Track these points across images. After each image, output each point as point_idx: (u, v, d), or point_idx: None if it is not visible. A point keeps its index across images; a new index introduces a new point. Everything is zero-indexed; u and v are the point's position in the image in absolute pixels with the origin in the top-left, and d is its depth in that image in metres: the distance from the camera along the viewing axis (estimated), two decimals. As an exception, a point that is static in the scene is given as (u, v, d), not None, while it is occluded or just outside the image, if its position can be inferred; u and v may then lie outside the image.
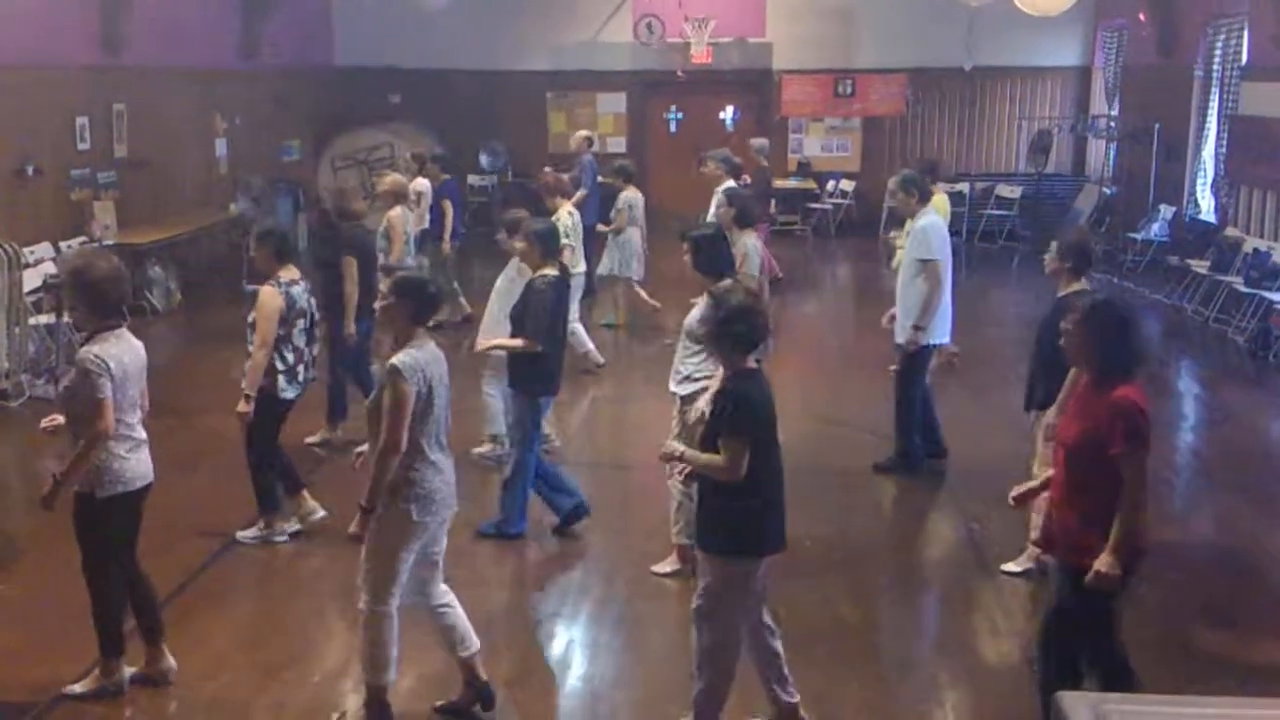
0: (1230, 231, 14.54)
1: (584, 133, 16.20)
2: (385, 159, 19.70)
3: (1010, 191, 19.57)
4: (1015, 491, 5.34)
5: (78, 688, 5.54)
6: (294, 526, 7.45)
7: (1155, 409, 8.23)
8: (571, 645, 6.32)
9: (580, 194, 13.83)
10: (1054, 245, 6.88)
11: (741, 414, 4.81)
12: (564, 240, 10.44)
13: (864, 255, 18.90)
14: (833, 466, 8.93)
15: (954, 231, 18.83)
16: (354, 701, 5.55)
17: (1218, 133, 15.71)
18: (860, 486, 8.58)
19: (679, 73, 20.27)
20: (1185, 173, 16.63)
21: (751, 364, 5.02)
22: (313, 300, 7.36)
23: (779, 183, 20.65)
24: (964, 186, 19.84)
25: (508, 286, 8.19)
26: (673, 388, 6.79)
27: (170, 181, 15.53)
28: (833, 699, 5.64)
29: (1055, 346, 6.46)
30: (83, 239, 12.98)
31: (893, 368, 9.06)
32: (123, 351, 5.37)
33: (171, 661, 5.70)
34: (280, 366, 7.12)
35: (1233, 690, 5.37)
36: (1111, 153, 19.33)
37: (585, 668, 6.06)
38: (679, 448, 5.09)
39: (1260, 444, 10.04)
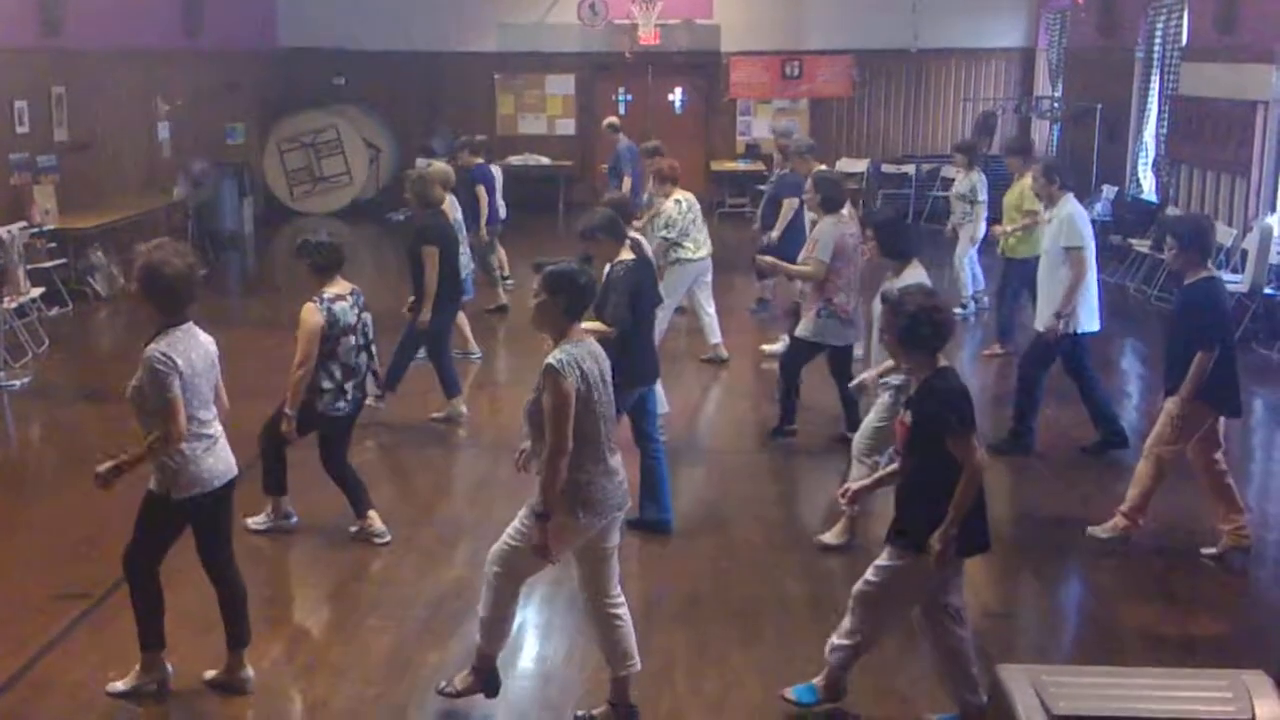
0: (1171, 211, 14.73)
1: (610, 119, 16.13)
2: (331, 142, 19.57)
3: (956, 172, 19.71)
4: None
5: (120, 685, 5.42)
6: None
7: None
8: (524, 626, 6.33)
9: (627, 181, 13.84)
10: (1170, 237, 7.07)
11: (965, 408, 4.88)
12: (664, 233, 10.50)
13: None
14: (789, 447, 9.00)
15: (901, 214, 18.97)
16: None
17: (1159, 113, 15.91)
18: (818, 467, 8.63)
19: (627, 54, 20.25)
20: (1127, 153, 16.85)
21: (942, 361, 5.04)
22: (365, 315, 7.05)
23: (727, 165, 20.74)
24: (910, 168, 19.98)
25: None
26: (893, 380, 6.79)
27: (112, 165, 15.35)
28: (784, 674, 5.69)
29: (1191, 334, 6.75)
30: (22, 224, 12.79)
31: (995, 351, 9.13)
32: (190, 348, 5.19)
33: (250, 671, 5.53)
34: (327, 384, 6.89)
35: (1168, 664, 5.48)
36: (1055, 133, 19.53)
37: (538, 648, 6.09)
38: (946, 527, 4.83)
39: (1200, 420, 10.18)
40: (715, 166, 20.67)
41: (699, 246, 10.80)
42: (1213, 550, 7.12)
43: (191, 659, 5.72)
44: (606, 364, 5.06)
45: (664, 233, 10.57)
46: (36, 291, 11.93)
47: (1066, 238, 8.50)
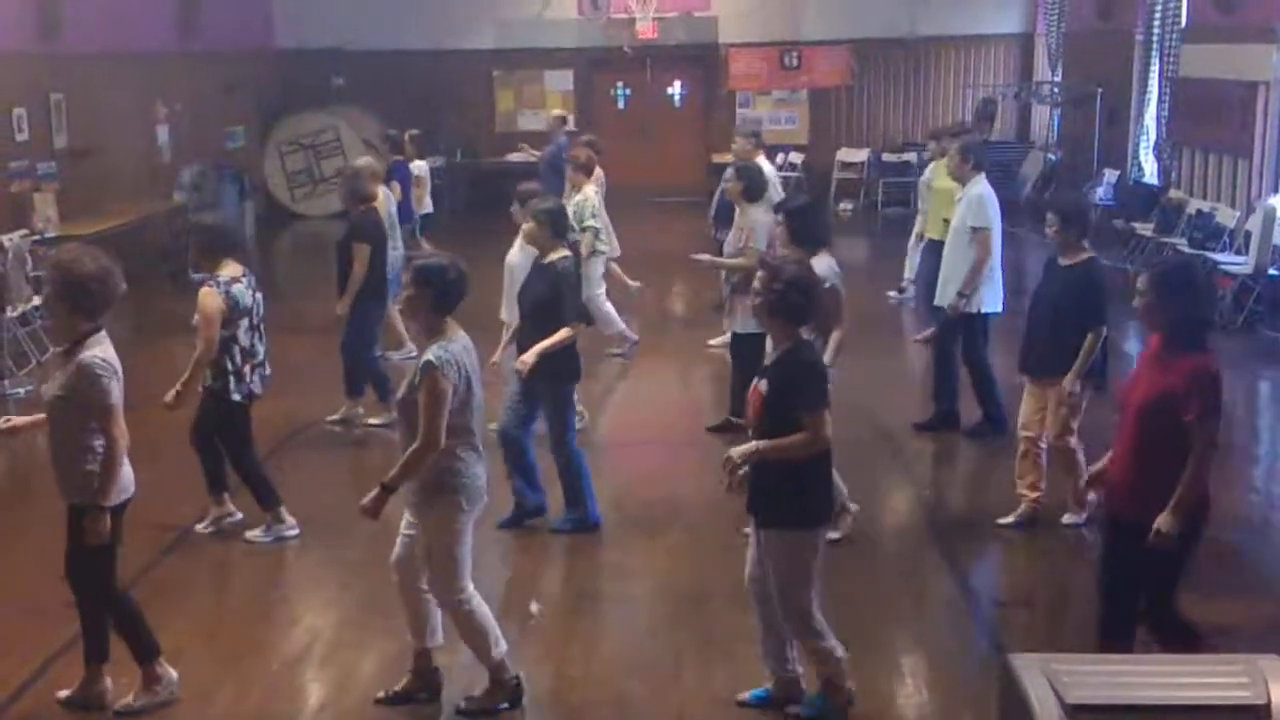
0: (1174, 194, 14.70)
1: (558, 112, 16.13)
2: (331, 143, 19.54)
3: (957, 159, 19.66)
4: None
5: (131, 701, 5.33)
6: (292, 523, 7.28)
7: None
8: (533, 624, 6.33)
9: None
10: (1051, 215, 7.00)
11: (818, 382, 4.94)
12: (589, 221, 10.39)
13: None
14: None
15: (900, 201, 18.92)
16: (314, 692, 5.54)
17: (1159, 96, 15.86)
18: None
19: (625, 48, 20.21)
20: (1128, 136, 16.80)
21: (805, 334, 5.09)
22: (259, 296, 7.09)
23: (727, 157, 20.64)
24: (911, 156, 19.92)
25: (520, 260, 7.92)
26: None
27: (112, 171, 15.32)
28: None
29: (1056, 313, 6.66)
30: (24, 232, 12.78)
31: (918, 338, 9.11)
32: (114, 356, 5.09)
33: (109, 684, 5.40)
34: (229, 368, 6.93)
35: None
36: (1055, 118, 19.48)
37: (548, 646, 6.08)
38: (753, 447, 4.94)
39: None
40: (716, 159, 20.61)
41: (610, 238, 10.88)
42: (1009, 520, 7.21)
43: (202, 661, 5.72)
44: (476, 356, 5.16)
45: (593, 221, 10.45)
46: (39, 299, 11.92)
47: (974, 217, 8.51)
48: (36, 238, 12.78)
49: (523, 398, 7.11)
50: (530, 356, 6.89)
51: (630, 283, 12.77)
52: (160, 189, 16.28)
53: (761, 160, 10.57)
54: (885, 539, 7.46)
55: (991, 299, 8.67)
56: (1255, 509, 7.71)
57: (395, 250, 10.29)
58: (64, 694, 5.36)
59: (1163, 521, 4.77)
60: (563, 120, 15.60)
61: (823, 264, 6.60)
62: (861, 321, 9.08)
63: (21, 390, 10.43)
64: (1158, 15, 15.87)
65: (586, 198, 10.58)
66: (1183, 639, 5.03)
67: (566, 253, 7.10)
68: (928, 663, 5.85)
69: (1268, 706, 3.43)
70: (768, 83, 20.91)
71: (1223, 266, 12.46)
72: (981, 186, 8.65)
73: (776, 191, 10.28)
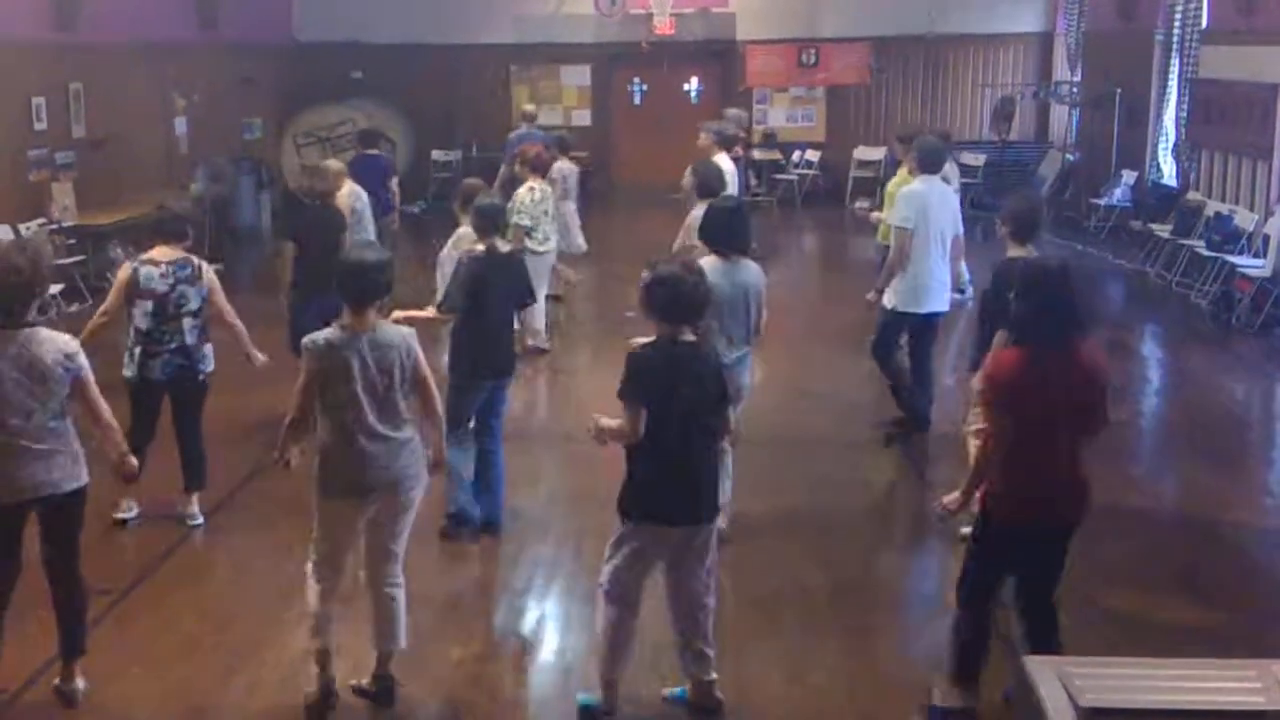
0: (1192, 196, 14.64)
1: (528, 107, 16.20)
2: (348, 136, 19.55)
3: (974, 159, 19.62)
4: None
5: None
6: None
7: (1119, 373, 8.28)
8: (542, 620, 6.33)
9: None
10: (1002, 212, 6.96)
11: (630, 381, 4.94)
12: (515, 219, 10.28)
13: (830, 225, 18.93)
14: (801, 437, 8.97)
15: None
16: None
17: (1179, 97, 15.79)
18: (829, 456, 8.61)
19: (643, 44, 20.19)
20: (1147, 137, 16.73)
21: (686, 335, 5.05)
22: (186, 289, 7.04)
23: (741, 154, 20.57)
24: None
25: (449, 255, 8.02)
26: None
27: (130, 161, 15.37)
28: (804, 665, 5.68)
29: (990, 311, 6.61)
30: (42, 220, 12.85)
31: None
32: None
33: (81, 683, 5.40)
34: (126, 345, 7.09)
35: (1195, 654, 5.42)
36: (1074, 119, 19.41)
37: (557, 641, 6.08)
38: (598, 418, 5.10)
39: (1223, 407, 10.13)
40: (732, 155, 20.57)
41: (546, 239, 10.75)
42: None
43: (215, 654, 5.74)
44: (392, 351, 5.13)
45: (521, 219, 10.39)
46: (56, 288, 11.96)
47: (893, 215, 8.51)
48: (54, 226, 12.84)
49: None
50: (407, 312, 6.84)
51: (570, 278, 12.68)
52: (178, 180, 16.33)
53: (722, 159, 10.53)
54: (890, 536, 7.46)
55: (907, 299, 8.45)
56: (1271, 513, 7.68)
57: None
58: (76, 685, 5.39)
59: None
60: (531, 117, 15.67)
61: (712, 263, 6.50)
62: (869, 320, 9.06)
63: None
64: (1178, 16, 15.79)
65: (519, 196, 10.57)
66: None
67: (479, 249, 7.04)
68: (938, 662, 5.82)
69: (1282, 713, 3.42)
70: (785, 80, 20.87)
71: (1241, 269, 12.41)
72: (914, 185, 8.52)
73: (732, 188, 10.20)
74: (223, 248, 15.19)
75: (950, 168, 10.51)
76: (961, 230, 8.56)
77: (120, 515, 7.27)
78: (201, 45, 17.32)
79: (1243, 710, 3.46)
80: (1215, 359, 11.47)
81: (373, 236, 10.71)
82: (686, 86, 21.39)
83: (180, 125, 16.95)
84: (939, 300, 8.52)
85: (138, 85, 15.58)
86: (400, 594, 5.35)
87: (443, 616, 6.20)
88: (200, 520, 7.31)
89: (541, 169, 10.87)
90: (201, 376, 7.20)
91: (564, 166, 12.64)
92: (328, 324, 5.24)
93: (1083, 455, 4.94)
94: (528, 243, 10.42)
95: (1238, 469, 8.52)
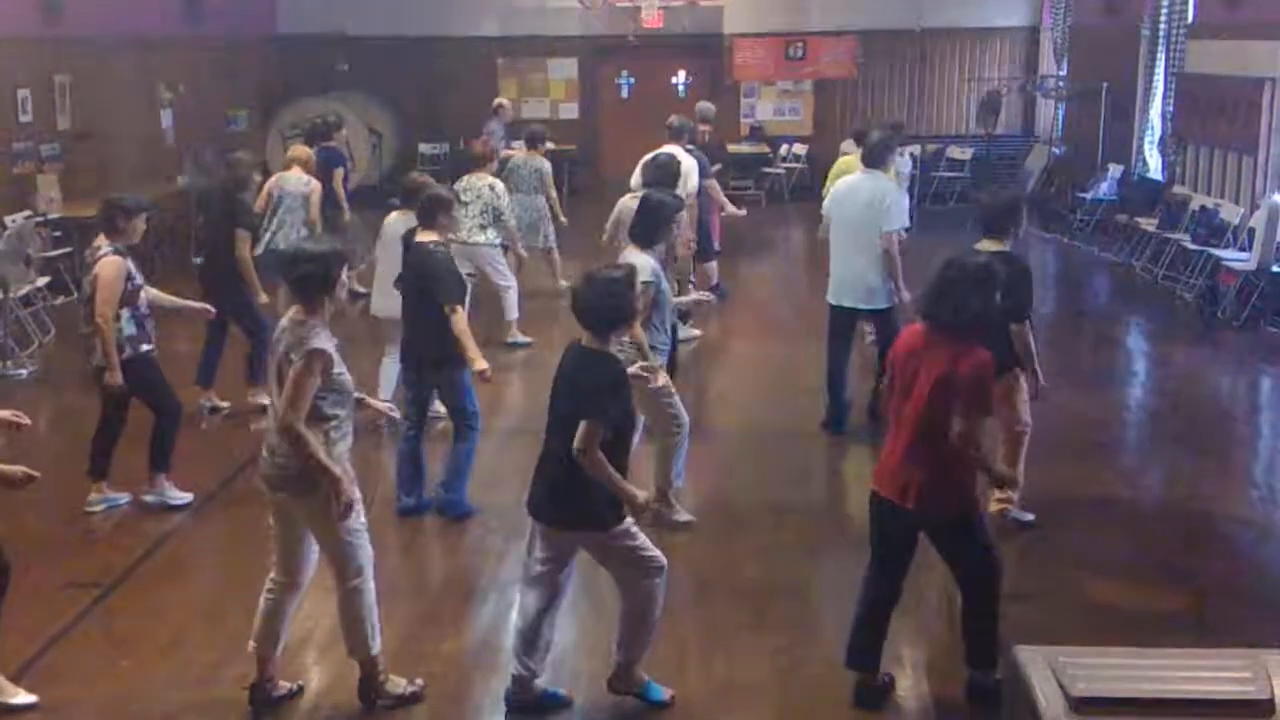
0: (1178, 189, 14.68)
1: (498, 100, 16.28)
2: (306, 127, 19.45)
3: (961, 153, 19.66)
4: None
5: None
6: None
7: (1105, 365, 8.31)
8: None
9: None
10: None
11: (589, 393, 4.94)
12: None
13: (817, 219, 18.88)
14: (785, 430, 8.98)
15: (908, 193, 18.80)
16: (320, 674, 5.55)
17: (1164, 91, 15.83)
18: (813, 449, 8.62)
19: (630, 37, 20.16)
20: (1133, 132, 16.77)
21: (585, 339, 5.06)
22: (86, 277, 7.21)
23: (730, 148, 20.63)
24: (915, 148, 19.87)
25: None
26: None
27: (116, 153, 15.28)
28: (793, 656, 5.69)
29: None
30: (27, 213, 12.77)
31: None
32: None
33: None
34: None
35: (1184, 644, 5.45)
36: (1060, 113, 19.45)
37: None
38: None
39: (1209, 400, 10.18)
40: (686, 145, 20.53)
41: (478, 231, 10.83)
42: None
43: (204, 646, 5.73)
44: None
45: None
46: (42, 281, 11.91)
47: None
48: (40, 219, 12.77)
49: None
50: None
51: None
52: (164, 172, 16.26)
53: (679, 150, 10.63)
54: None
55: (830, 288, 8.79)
56: (1256, 505, 7.72)
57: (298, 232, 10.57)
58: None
59: None
60: (496, 108, 15.75)
61: (643, 260, 6.55)
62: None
63: (24, 372, 10.43)
64: (1164, 10, 15.83)
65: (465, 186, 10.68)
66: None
67: (427, 237, 7.08)
68: (928, 654, 5.84)
69: (1271, 701, 3.44)
70: (773, 73, 20.87)
71: (1226, 263, 12.45)
72: (846, 177, 8.87)
73: (686, 183, 10.24)
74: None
75: (901, 160, 10.60)
76: (892, 225, 8.44)
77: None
78: (187, 37, 17.24)
79: (1232, 699, 3.48)
80: (1201, 352, 11.51)
81: (301, 230, 10.67)
82: (674, 80, 21.37)
83: (166, 118, 16.87)
84: (852, 295, 8.59)
85: (123, 77, 15.50)
86: (348, 600, 5.17)
87: (432, 609, 6.19)
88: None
89: (482, 162, 10.97)
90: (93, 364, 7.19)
91: (534, 160, 12.58)
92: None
93: (934, 450, 4.96)
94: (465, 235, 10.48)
95: (1223, 461, 8.55)
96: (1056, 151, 19.02)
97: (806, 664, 5.63)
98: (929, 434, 4.93)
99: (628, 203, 8.40)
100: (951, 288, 5.05)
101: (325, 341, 4.96)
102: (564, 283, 12.83)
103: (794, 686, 5.47)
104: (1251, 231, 12.58)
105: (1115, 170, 16.71)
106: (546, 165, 12.62)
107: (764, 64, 20.79)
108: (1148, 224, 14.57)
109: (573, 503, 5.00)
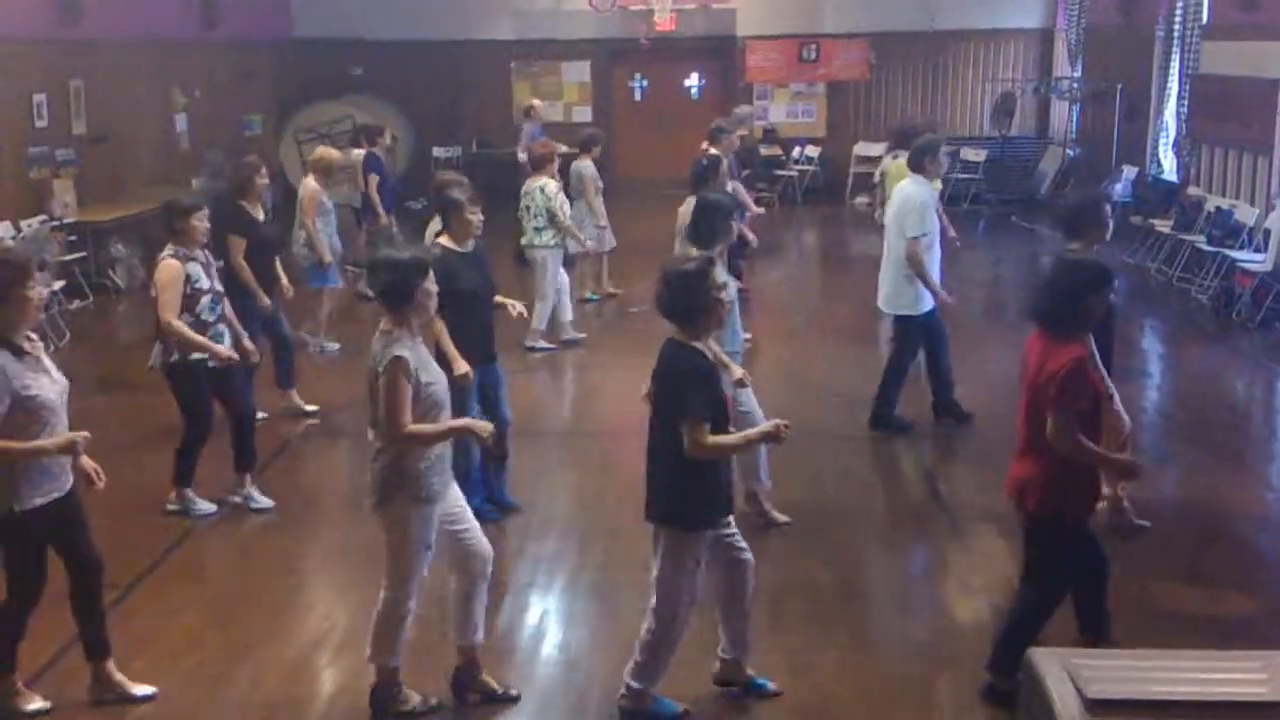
0: (1192, 191, 14.64)
1: (531, 100, 16.44)
2: (348, 132, 19.53)
3: (975, 155, 19.61)
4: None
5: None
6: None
7: (1120, 366, 8.33)
8: (546, 615, 6.34)
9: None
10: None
11: (685, 389, 4.99)
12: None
13: (830, 221, 18.93)
14: (802, 430, 8.93)
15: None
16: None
17: (1179, 92, 15.78)
18: (830, 450, 8.61)
19: (643, 40, 20.18)
20: (1147, 133, 16.73)
21: (674, 332, 5.10)
22: None
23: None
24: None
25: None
26: None
27: (130, 157, 15.37)
28: (810, 660, 5.69)
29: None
30: (43, 217, 12.84)
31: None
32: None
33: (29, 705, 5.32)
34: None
35: (1200, 646, 5.44)
36: (1075, 114, 19.41)
37: (560, 636, 6.09)
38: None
39: (1224, 402, 10.14)
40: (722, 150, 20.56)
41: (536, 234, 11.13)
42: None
43: (217, 649, 5.75)
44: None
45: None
46: (57, 285, 11.97)
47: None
48: (55, 223, 12.84)
49: None
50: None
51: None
52: (179, 176, 16.32)
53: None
54: (893, 530, 7.47)
55: None
56: (1271, 506, 7.69)
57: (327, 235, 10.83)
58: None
59: None
60: (529, 109, 15.92)
61: None
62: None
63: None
64: (1179, 11, 15.79)
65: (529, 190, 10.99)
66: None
67: (443, 242, 7.04)
68: (944, 654, 5.83)
69: (1288, 703, 3.43)
70: (786, 76, 20.86)
71: (1241, 264, 12.41)
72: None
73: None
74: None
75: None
76: (909, 232, 8.48)
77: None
78: (202, 42, 17.32)
79: (1248, 701, 3.46)
80: (1216, 354, 11.47)
81: (309, 235, 10.83)
82: (687, 82, 21.39)
83: (181, 122, 16.94)
84: (880, 297, 8.82)
85: (138, 82, 15.58)
86: (385, 606, 5.24)
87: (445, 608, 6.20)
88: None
89: (538, 163, 11.16)
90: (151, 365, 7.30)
91: (577, 164, 12.65)
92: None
93: (1036, 450, 5.05)
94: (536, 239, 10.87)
95: (1239, 463, 8.52)
96: (1071, 153, 18.98)
97: (821, 667, 5.62)
98: (1031, 434, 5.06)
99: (685, 210, 8.46)
100: (1046, 288, 5.18)
101: (407, 351, 5.00)
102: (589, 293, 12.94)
103: (809, 690, 5.46)
104: (1267, 233, 12.54)
105: (1130, 172, 16.67)
106: (589, 169, 12.67)
107: (777, 66, 20.78)
108: (1162, 225, 14.52)
109: (660, 496, 5.09)
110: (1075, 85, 19.13)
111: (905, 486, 8.28)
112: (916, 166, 8.66)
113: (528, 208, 11.04)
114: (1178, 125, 15.83)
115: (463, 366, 6.85)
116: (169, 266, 7.08)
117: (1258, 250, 12.58)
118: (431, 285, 5.13)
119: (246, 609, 6.30)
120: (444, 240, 7.08)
